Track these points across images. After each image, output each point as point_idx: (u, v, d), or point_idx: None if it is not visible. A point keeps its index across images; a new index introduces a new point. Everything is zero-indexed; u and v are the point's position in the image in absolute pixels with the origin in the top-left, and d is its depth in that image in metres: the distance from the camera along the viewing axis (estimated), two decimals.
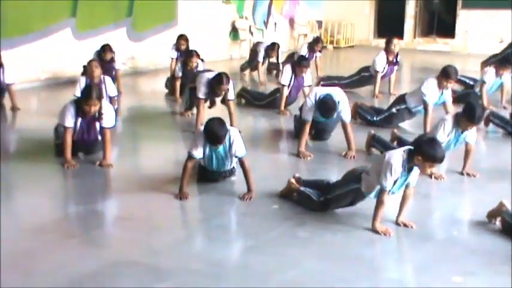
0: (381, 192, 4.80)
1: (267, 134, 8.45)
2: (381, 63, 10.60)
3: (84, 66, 8.88)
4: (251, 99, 9.87)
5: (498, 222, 4.98)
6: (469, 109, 6.01)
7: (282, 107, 9.21)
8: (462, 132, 6.13)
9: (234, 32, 16.27)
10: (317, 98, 6.95)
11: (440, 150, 4.70)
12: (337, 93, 7.03)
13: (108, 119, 6.49)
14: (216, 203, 5.55)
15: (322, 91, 7.09)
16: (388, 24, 19.58)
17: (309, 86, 9.19)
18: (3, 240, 4.62)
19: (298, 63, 9.17)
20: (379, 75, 10.65)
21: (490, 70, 9.81)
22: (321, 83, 10.68)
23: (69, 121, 6.42)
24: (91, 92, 6.30)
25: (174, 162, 6.62)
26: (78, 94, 7.35)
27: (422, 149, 4.66)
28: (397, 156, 4.74)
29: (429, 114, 7.65)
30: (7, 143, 7.95)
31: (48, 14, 11.23)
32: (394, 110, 8.33)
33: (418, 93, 7.87)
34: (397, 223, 4.96)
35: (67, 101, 6.61)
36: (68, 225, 5.16)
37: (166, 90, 10.56)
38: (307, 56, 11.41)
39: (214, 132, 5.41)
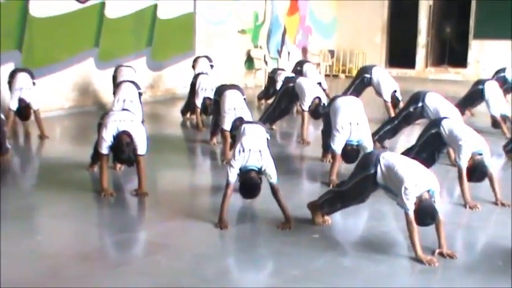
0: (406, 215, 4.92)
1: (296, 161, 8.57)
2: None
3: None
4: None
5: None
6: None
7: (305, 135, 9.32)
8: None
9: (249, 61, 16.48)
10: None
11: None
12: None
13: (141, 146, 6.54)
14: (256, 232, 5.64)
15: None
16: (400, 53, 19.77)
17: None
18: (54, 267, 4.71)
19: (316, 113, 9.19)
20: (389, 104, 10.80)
21: None
22: None
23: (105, 149, 6.51)
24: (120, 157, 6.46)
25: (206, 190, 6.71)
26: None
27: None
28: (409, 180, 4.88)
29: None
30: (39, 170, 8.06)
31: (73, 44, 11.47)
32: (411, 109, 8.50)
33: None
34: (440, 254, 5.01)
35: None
36: (114, 253, 5.26)
37: (184, 119, 10.81)
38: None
39: (250, 193, 5.71)
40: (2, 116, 7.49)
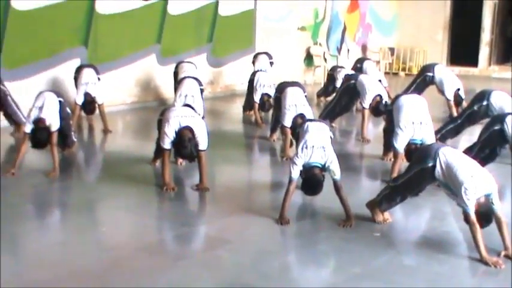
0: (467, 216, 4.86)
1: (356, 159, 8.54)
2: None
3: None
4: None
5: None
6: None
7: (365, 133, 9.28)
8: None
9: (309, 58, 16.43)
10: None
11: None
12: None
13: (202, 142, 6.58)
14: (317, 229, 5.65)
15: None
16: (462, 51, 19.41)
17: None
18: (117, 258, 4.81)
19: (377, 111, 9.15)
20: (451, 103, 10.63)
21: None
22: None
23: (167, 144, 6.59)
24: (182, 152, 6.54)
25: (265, 186, 6.73)
26: None
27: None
28: (469, 182, 4.82)
29: None
30: (102, 163, 8.24)
31: (136, 40, 11.66)
32: (475, 107, 8.34)
33: None
34: (506, 256, 4.89)
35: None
36: (176, 246, 5.34)
37: (244, 115, 10.97)
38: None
39: (312, 189, 5.73)
40: (68, 110, 7.67)
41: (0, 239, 5.04)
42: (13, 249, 5.08)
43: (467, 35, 19.41)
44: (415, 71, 19.36)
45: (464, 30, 19.52)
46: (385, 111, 8.43)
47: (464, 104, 10.00)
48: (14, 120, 8.89)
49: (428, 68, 11.27)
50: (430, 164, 5.19)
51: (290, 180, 5.67)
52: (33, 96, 7.39)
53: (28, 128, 7.00)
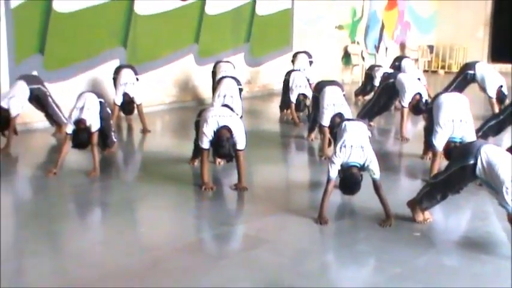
0: (509, 216, 4.78)
1: (395, 158, 8.48)
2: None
3: None
4: None
5: None
6: None
7: (404, 132, 9.18)
8: None
9: (346, 57, 16.35)
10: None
11: None
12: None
13: (240, 141, 6.58)
14: (356, 229, 5.61)
15: None
16: (504, 48, 19.06)
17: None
18: (155, 258, 4.85)
19: (417, 109, 9.04)
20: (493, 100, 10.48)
21: None
22: None
23: (206, 144, 6.61)
24: (220, 151, 6.54)
25: (304, 185, 6.71)
26: None
27: None
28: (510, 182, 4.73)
29: None
30: (141, 163, 8.31)
31: (174, 41, 11.76)
32: None
33: None
34: None
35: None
36: (215, 246, 5.35)
37: (282, 114, 11.02)
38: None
39: (350, 189, 5.67)
40: (109, 110, 7.75)
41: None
42: (54, 248, 5.16)
43: (510, 32, 19.05)
44: (454, 69, 19.15)
45: (506, 27, 19.17)
46: (425, 109, 8.34)
47: (507, 101, 9.83)
48: (54, 120, 9.03)
49: (469, 66, 11.12)
50: (471, 162, 5.11)
51: (328, 180, 5.65)
52: (74, 97, 7.48)
53: (69, 128, 7.09)
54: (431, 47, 19.34)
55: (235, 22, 13.06)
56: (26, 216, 5.98)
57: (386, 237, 5.31)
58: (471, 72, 10.78)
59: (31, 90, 8.50)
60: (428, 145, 7.42)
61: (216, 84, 9.63)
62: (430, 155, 7.51)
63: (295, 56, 12.41)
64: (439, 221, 5.75)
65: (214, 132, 6.52)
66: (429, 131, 7.34)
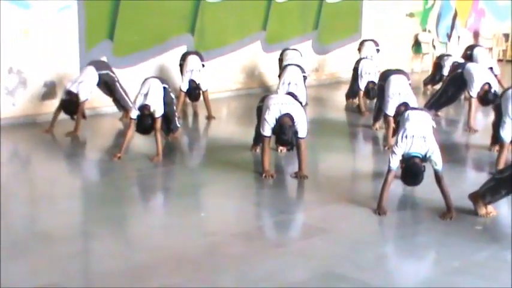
0: None
1: (461, 150, 8.32)
2: None
3: None
4: None
5: None
6: None
7: (472, 123, 8.96)
8: None
9: (417, 45, 16.03)
10: None
11: None
12: None
13: (302, 129, 6.55)
14: (415, 220, 5.54)
15: None
16: None
17: None
18: (215, 244, 4.90)
19: (485, 100, 8.79)
20: None
21: None
22: None
23: (268, 131, 6.62)
24: (282, 139, 6.52)
25: (366, 175, 6.64)
26: None
27: None
28: None
29: None
30: (205, 149, 8.40)
31: (241, 28, 11.78)
32: None
33: None
34: None
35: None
36: (273, 233, 5.38)
37: (348, 103, 10.95)
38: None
39: (412, 180, 5.57)
40: (173, 96, 7.85)
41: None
42: (116, 231, 5.26)
43: None
44: None
45: None
46: (494, 100, 8.10)
47: None
48: (122, 106, 9.21)
49: None
50: None
51: (389, 170, 5.57)
52: (141, 83, 7.61)
53: (134, 114, 7.22)
54: (506, 36, 18.73)
55: (304, 9, 12.97)
56: (90, 198, 6.15)
57: (446, 230, 5.22)
58: None
59: (100, 76, 8.69)
60: (496, 137, 7.22)
61: (281, 71, 9.62)
62: (497, 147, 7.31)
63: (361, 43, 12.26)
64: (503, 214, 5.60)
65: (276, 120, 6.52)
66: (497, 123, 7.13)
